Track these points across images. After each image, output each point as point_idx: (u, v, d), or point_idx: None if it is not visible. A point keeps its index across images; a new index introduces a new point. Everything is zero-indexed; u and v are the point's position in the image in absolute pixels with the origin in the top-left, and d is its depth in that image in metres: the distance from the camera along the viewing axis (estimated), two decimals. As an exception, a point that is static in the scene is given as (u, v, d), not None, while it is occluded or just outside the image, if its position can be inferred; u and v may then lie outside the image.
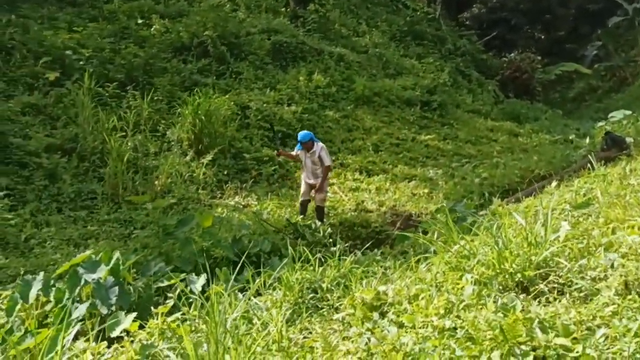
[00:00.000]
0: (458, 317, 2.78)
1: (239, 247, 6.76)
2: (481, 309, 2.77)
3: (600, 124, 16.49)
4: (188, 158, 10.86)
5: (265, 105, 13.20)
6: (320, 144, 8.88)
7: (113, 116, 11.00)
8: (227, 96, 13.10)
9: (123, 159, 9.14)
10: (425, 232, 7.21)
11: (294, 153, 9.25)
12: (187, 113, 11.05)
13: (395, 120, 15.01)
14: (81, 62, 12.68)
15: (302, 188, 8.97)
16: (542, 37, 34.09)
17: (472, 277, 3.20)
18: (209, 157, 10.66)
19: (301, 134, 8.82)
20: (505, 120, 18.24)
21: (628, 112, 16.20)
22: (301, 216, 8.62)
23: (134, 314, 3.91)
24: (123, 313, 4.02)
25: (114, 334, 3.76)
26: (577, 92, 27.91)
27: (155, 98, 12.34)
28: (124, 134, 10.77)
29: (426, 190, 10.53)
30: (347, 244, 7.83)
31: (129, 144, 10.73)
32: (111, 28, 15.22)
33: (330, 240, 7.91)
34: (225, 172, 10.71)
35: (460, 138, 14.85)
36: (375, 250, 6.23)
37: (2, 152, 9.33)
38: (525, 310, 2.56)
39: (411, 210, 9.54)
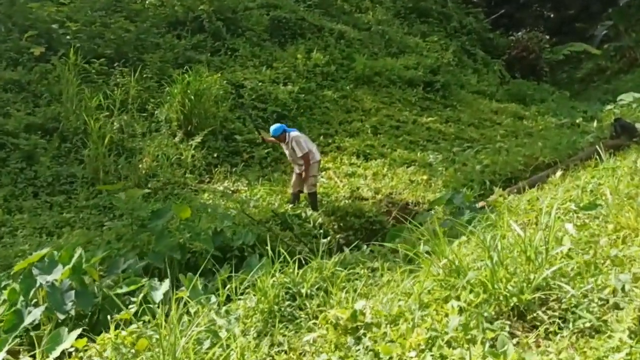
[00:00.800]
0: (441, 356, 2.35)
1: (220, 240, 6.35)
2: (468, 348, 2.33)
3: (608, 107, 15.91)
4: (177, 139, 10.41)
5: (260, 84, 12.68)
6: (293, 133, 8.43)
7: (99, 94, 10.55)
8: (220, 74, 12.59)
9: (104, 141, 8.67)
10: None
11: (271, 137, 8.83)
12: (175, 92, 10.55)
13: (396, 101, 14.46)
14: (68, 37, 12.17)
15: (293, 178, 8.53)
16: (552, 15, 33.17)
17: (458, 305, 2.75)
18: (198, 138, 10.20)
19: (272, 127, 8.45)
20: (511, 101, 17.63)
21: (638, 95, 15.60)
22: (291, 205, 8.18)
23: (78, 331, 3.49)
24: (66, 329, 3.59)
25: (53, 356, 3.35)
26: (585, 72, 27.18)
27: (145, 75, 11.83)
28: (109, 113, 10.32)
29: (425, 177, 10.05)
30: (338, 236, 7.43)
31: (115, 124, 10.29)
32: (103, 1, 14.65)
33: (321, 231, 7.49)
34: (215, 155, 10.25)
35: (463, 121, 14.30)
36: (364, 247, 5.80)
37: (-21, 131, 8.92)
38: (519, 358, 2.12)
39: (408, 198, 9.08)
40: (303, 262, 4.70)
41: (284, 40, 15.68)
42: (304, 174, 8.22)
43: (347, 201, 8.98)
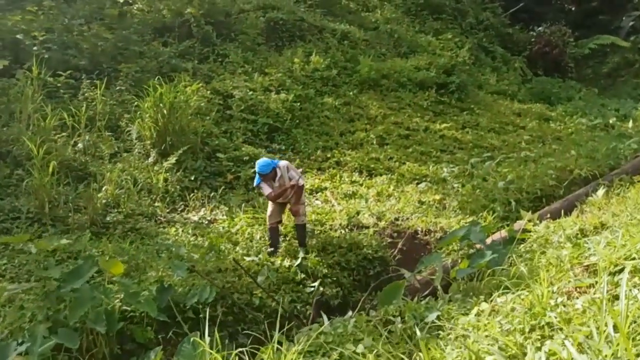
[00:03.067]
0: None
1: (168, 298, 4.92)
2: None
3: (642, 104, 14.25)
4: (150, 160, 9.02)
5: (251, 93, 11.27)
6: (282, 163, 6.79)
7: (59, 111, 9.23)
8: (205, 84, 11.25)
9: (49, 167, 7.30)
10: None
11: (268, 190, 6.76)
12: (147, 106, 9.18)
13: (406, 106, 12.95)
14: (35, 48, 10.86)
15: (269, 209, 6.99)
16: (573, 8, 31.36)
17: None
18: (172, 159, 8.79)
19: (260, 163, 6.62)
20: (535, 101, 16.03)
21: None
22: (270, 249, 6.70)
23: None
24: None
25: None
26: (611, 67, 25.29)
27: (118, 88, 10.50)
28: (68, 133, 8.99)
29: (437, 197, 8.53)
30: (319, 281, 5.98)
31: (79, 145, 8.95)
32: (86, 9, 13.42)
33: (303, 275, 6.04)
34: (193, 177, 8.84)
35: (482, 126, 12.74)
36: (349, 314, 4.34)
37: None
38: None
39: (417, 225, 7.56)
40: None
41: (281, 44, 14.29)
42: (290, 204, 6.73)
43: (343, 231, 7.49)
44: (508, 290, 4.09)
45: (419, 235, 7.44)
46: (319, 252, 6.67)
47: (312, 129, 11.12)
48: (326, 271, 6.34)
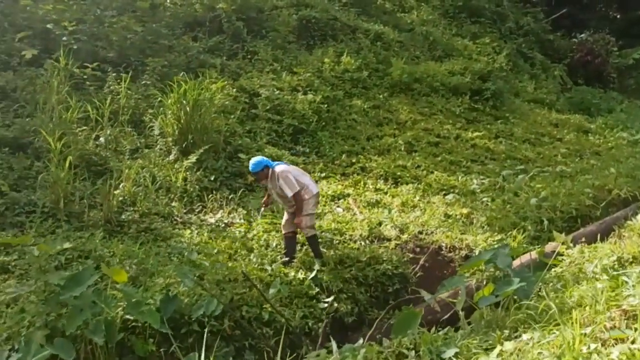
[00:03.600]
0: None
1: (173, 309, 4.69)
2: None
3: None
4: (171, 158, 8.83)
5: (277, 92, 11.01)
6: (279, 168, 6.45)
7: (83, 103, 9.13)
8: (232, 81, 11.04)
9: (66, 161, 7.15)
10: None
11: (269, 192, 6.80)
12: (170, 103, 9.00)
13: (438, 112, 12.54)
14: (65, 38, 10.79)
15: (284, 217, 6.77)
16: (618, 16, 30.33)
17: None
18: (192, 158, 8.59)
19: (252, 163, 6.45)
20: (573, 112, 15.45)
21: None
22: (285, 259, 6.42)
23: None
24: None
25: None
26: (656, 79, 24.41)
27: (144, 82, 10.36)
28: (90, 127, 8.87)
29: (465, 211, 8.14)
30: (333, 297, 5.68)
31: (101, 139, 8.81)
32: (119, 0, 13.35)
33: (316, 290, 5.75)
34: (213, 178, 8.62)
35: (516, 136, 12.26)
36: (359, 342, 4.03)
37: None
38: None
39: (441, 240, 7.20)
40: None
41: (312, 43, 14.00)
42: (296, 214, 6.45)
43: (363, 242, 7.18)
44: (535, 326, 3.74)
45: (442, 252, 7.08)
46: (335, 265, 6.36)
47: (339, 132, 10.82)
48: (342, 286, 6.04)
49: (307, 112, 10.63)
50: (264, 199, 7.00)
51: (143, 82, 10.34)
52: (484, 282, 5.53)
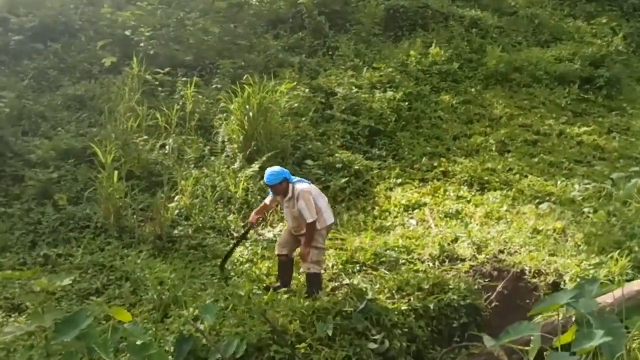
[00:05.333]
0: None
1: (188, 351, 4.18)
2: None
3: None
4: (236, 166, 8.42)
5: (355, 90, 10.27)
6: (301, 185, 5.66)
7: (154, 111, 8.98)
8: (304, 81, 10.47)
9: (119, 172, 6.92)
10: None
11: (267, 201, 6.08)
12: (234, 108, 8.58)
13: (539, 105, 11.14)
14: (142, 44, 10.79)
15: (283, 236, 6.01)
16: None
17: None
18: (255, 166, 8.12)
19: (268, 173, 5.67)
20: None
21: None
22: (276, 284, 5.70)
23: None
24: None
25: None
26: None
27: (214, 86, 10.06)
28: (158, 134, 8.69)
29: (559, 224, 6.95)
30: (383, 334, 4.90)
31: (167, 147, 8.59)
32: (201, 0, 13.27)
33: (366, 324, 4.99)
34: (276, 187, 8.08)
35: (634, 130, 10.58)
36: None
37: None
38: None
39: (525, 263, 6.14)
40: None
41: (400, 34, 13.05)
42: (302, 242, 5.61)
43: (431, 263, 6.30)
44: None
45: (525, 277, 6.02)
46: (392, 294, 5.56)
47: (421, 131, 9.86)
48: (397, 319, 5.23)
49: (385, 111, 9.79)
50: (257, 209, 6.09)
51: (214, 85, 10.04)
52: (562, 325, 4.50)
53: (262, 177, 8.10)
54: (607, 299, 4.68)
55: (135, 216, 6.91)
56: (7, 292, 5.62)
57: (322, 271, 5.72)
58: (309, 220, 5.43)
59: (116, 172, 6.91)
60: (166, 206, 7.14)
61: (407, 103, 10.11)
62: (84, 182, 7.70)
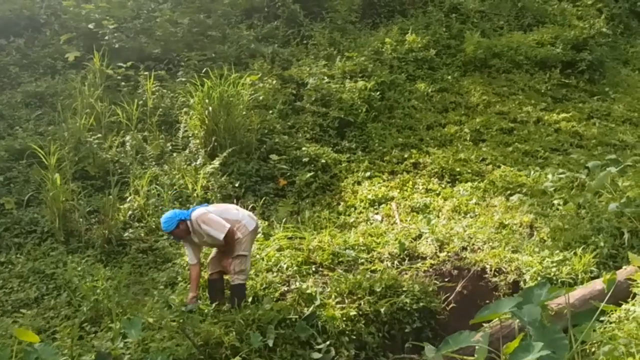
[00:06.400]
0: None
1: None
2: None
3: None
4: (198, 163, 8.12)
5: (326, 80, 9.93)
6: (195, 213, 5.23)
7: (114, 108, 8.67)
8: (275, 71, 10.13)
9: (57, 175, 6.59)
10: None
11: (190, 262, 5.37)
12: (195, 102, 8.27)
13: (518, 91, 10.81)
14: (107, 37, 10.44)
15: (212, 254, 5.58)
16: None
17: None
18: (215, 162, 7.83)
19: (162, 222, 5.18)
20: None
21: None
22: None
23: None
24: None
25: None
26: None
27: (179, 79, 9.73)
28: (117, 131, 8.40)
29: (527, 218, 6.66)
30: (328, 342, 4.63)
31: (127, 145, 8.28)
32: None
33: (311, 331, 4.72)
34: (238, 184, 7.80)
35: (615, 115, 10.27)
36: None
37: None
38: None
39: (486, 260, 5.85)
40: None
41: (378, 21, 12.71)
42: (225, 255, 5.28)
43: (389, 263, 6.02)
44: None
45: (486, 276, 5.74)
46: (343, 298, 5.28)
47: (393, 122, 9.54)
48: (345, 326, 4.95)
49: (355, 101, 9.44)
50: (191, 285, 5.31)
51: (178, 79, 9.72)
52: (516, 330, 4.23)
53: (224, 174, 7.91)
54: (560, 301, 4.41)
55: (81, 219, 6.61)
56: None
57: (245, 281, 5.34)
58: (221, 237, 5.09)
59: (58, 174, 6.57)
60: (118, 207, 6.85)
61: (379, 93, 9.77)
62: (37, 184, 7.41)
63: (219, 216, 5.17)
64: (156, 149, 8.26)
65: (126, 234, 6.65)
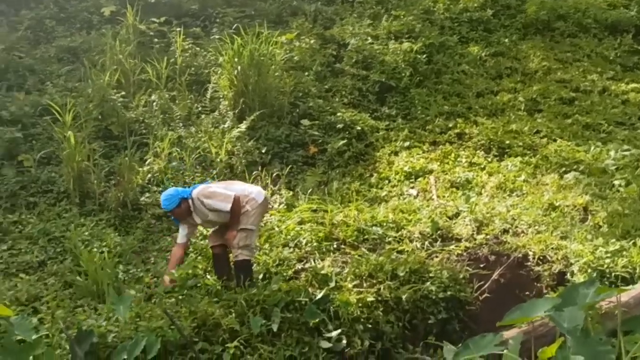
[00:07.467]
0: None
1: (85, 350, 3.56)
2: None
3: None
4: (226, 125, 7.67)
5: (369, 41, 9.22)
6: (195, 191, 4.74)
7: (144, 65, 8.30)
8: (315, 31, 9.49)
9: (71, 134, 6.25)
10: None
11: (179, 241, 4.92)
12: (225, 61, 7.77)
13: (584, 57, 9.77)
14: (142, -10, 10.03)
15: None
16: None
17: None
18: (243, 125, 7.35)
19: (162, 199, 4.72)
20: None
21: None
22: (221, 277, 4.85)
23: None
24: None
25: None
26: None
27: (212, 37, 9.23)
28: (145, 90, 8.04)
29: (581, 200, 5.89)
30: (344, 330, 4.14)
31: (153, 105, 7.90)
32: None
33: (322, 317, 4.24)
34: (265, 150, 7.31)
35: (694, 87, 9.13)
36: None
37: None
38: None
39: (530, 246, 5.17)
40: None
41: (432, -23, 11.76)
42: (230, 227, 4.76)
43: (419, 244, 5.42)
44: None
45: (528, 263, 5.06)
46: (361, 281, 4.74)
47: (440, 88, 8.78)
48: (360, 312, 4.43)
49: (399, 65, 8.73)
50: (170, 263, 4.88)
51: (212, 37, 9.23)
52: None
53: (250, 139, 7.44)
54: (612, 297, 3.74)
55: (96, 181, 6.28)
56: None
57: (253, 257, 4.90)
58: (228, 207, 4.60)
59: (71, 133, 6.23)
60: (136, 170, 6.50)
61: (425, 56, 9.00)
62: (59, 143, 7.14)
63: (223, 188, 4.70)
64: (183, 110, 7.86)
65: (142, 198, 6.31)
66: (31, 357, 3.30)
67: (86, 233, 5.50)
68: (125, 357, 3.59)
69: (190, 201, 4.70)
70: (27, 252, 5.40)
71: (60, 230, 5.69)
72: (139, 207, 6.23)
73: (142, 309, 4.12)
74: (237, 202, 4.60)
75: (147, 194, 6.36)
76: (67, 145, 6.22)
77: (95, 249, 5.22)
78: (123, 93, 7.69)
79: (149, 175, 6.63)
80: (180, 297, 4.36)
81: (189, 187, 5.13)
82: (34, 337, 3.39)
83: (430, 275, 4.75)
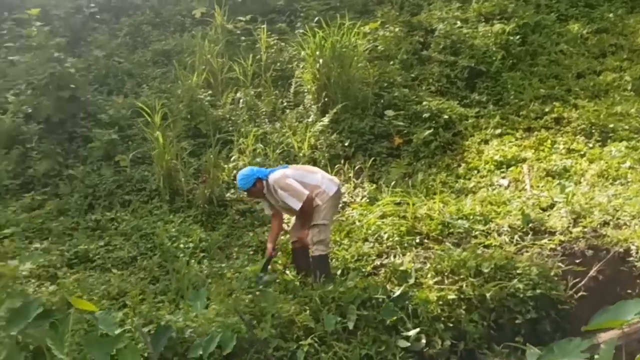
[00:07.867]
0: None
1: (165, 345, 3.67)
2: None
3: None
4: (310, 119, 7.65)
5: (458, 25, 8.83)
6: (273, 175, 4.68)
7: (231, 63, 8.49)
8: (402, 18, 9.22)
9: (160, 134, 6.46)
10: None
11: (267, 212, 5.04)
12: (307, 54, 7.74)
13: (700, 28, 8.81)
14: (233, -10, 10.24)
15: (292, 221, 5.07)
16: None
17: None
18: (325, 119, 7.29)
19: (238, 178, 4.77)
20: None
21: None
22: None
23: None
24: None
25: None
26: None
27: (296, 31, 9.21)
28: (233, 88, 8.20)
29: (694, 188, 5.29)
30: (423, 329, 3.98)
31: (240, 102, 8.04)
32: None
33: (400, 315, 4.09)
34: (347, 142, 7.20)
35: None
36: None
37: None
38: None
39: (632, 240, 4.70)
40: None
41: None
42: (303, 225, 4.72)
43: (507, 238, 5.09)
44: None
45: (631, 259, 4.61)
46: (442, 278, 4.52)
47: (536, 70, 8.23)
48: (440, 311, 4.22)
49: (489, 48, 8.28)
50: (270, 236, 5.00)
51: (296, 31, 9.23)
52: None
53: (333, 132, 7.38)
54: None
55: (183, 178, 6.48)
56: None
57: (329, 251, 4.83)
58: (297, 207, 4.57)
59: (160, 133, 6.46)
60: (222, 167, 6.65)
61: (519, 37, 8.47)
62: (151, 142, 7.44)
63: (298, 181, 4.65)
64: (268, 106, 7.94)
65: (228, 194, 6.43)
66: (114, 350, 3.42)
67: (174, 229, 5.69)
68: (201, 352, 3.64)
69: (264, 182, 4.72)
70: (121, 248, 5.66)
71: (151, 227, 5.92)
72: (224, 203, 6.36)
73: (222, 304, 4.17)
74: (308, 202, 4.56)
75: (232, 190, 6.47)
76: (156, 145, 6.45)
77: (181, 245, 5.39)
78: (211, 92, 7.90)
79: (234, 172, 6.73)
80: (257, 293, 4.37)
81: (267, 168, 5.13)
82: (117, 331, 3.51)
83: (518, 271, 4.44)
